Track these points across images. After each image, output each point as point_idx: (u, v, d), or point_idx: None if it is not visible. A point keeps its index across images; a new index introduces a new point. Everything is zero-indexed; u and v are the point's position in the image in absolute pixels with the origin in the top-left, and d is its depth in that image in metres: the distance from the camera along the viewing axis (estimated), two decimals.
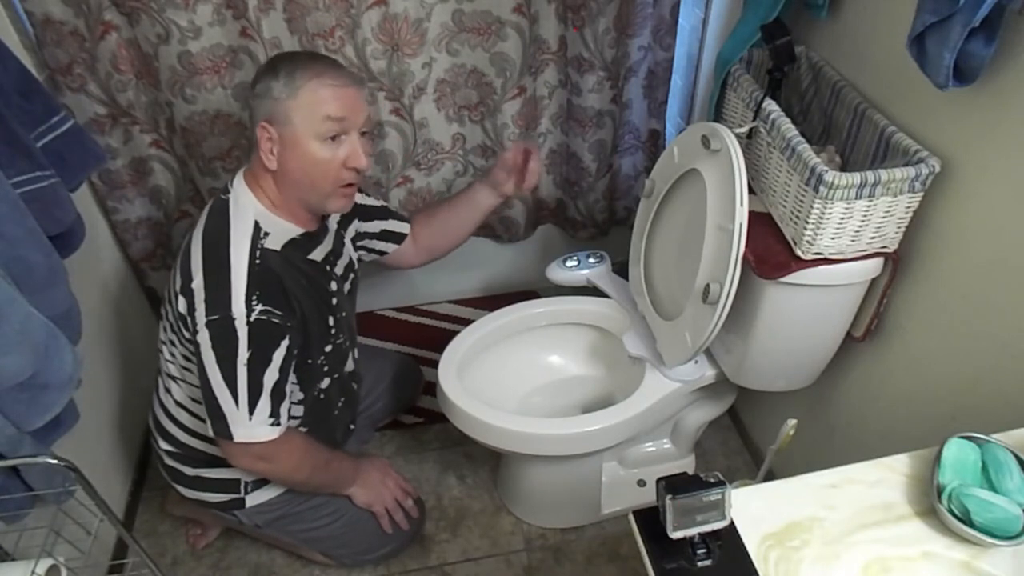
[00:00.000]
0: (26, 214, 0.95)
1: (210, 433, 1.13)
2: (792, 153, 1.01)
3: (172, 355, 1.21)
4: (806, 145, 1.00)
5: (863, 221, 0.99)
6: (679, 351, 1.26)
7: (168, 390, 1.28)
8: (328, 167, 1.10)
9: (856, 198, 0.96)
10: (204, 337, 1.07)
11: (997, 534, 0.69)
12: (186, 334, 1.12)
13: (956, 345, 1.00)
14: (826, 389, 1.32)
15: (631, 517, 0.74)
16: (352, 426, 1.48)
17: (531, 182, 1.39)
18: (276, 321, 1.09)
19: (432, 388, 1.69)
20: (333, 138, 1.08)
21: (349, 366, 1.38)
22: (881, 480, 0.78)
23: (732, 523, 0.71)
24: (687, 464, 1.62)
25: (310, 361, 1.22)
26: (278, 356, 1.11)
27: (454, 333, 1.44)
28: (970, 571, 0.70)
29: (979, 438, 0.77)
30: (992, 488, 0.73)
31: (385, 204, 1.43)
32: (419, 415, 1.76)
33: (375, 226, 1.40)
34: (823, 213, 0.98)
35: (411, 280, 1.95)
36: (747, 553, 0.71)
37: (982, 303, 0.95)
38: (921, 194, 0.98)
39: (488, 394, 1.38)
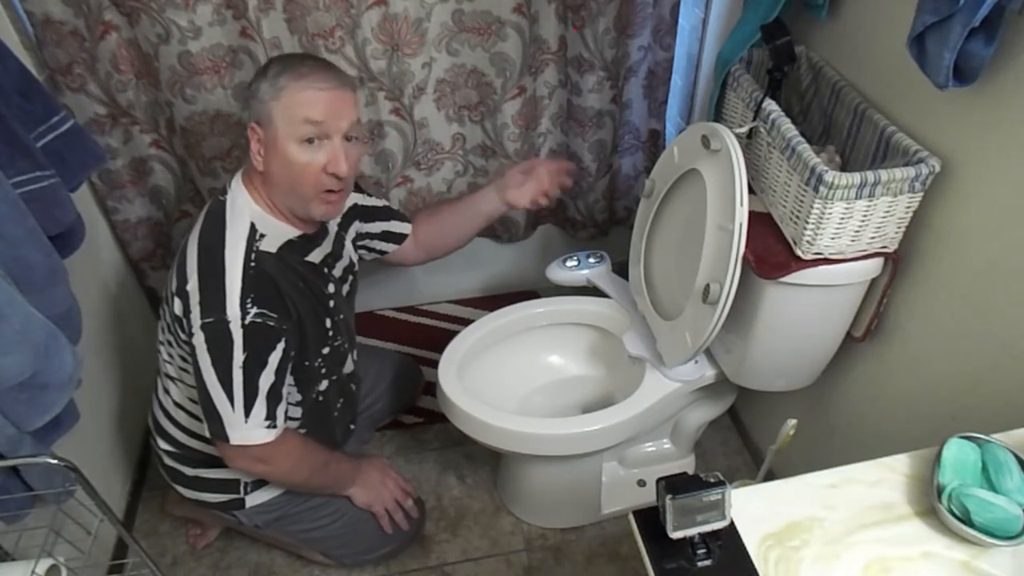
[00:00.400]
0: (26, 214, 0.95)
1: (207, 434, 1.14)
2: (792, 153, 1.01)
3: (170, 356, 1.21)
4: (806, 145, 1.00)
5: (863, 221, 0.99)
6: (679, 351, 1.26)
7: (167, 390, 1.28)
8: (306, 171, 1.08)
9: (856, 198, 0.96)
10: (199, 340, 1.07)
11: (997, 534, 0.70)
12: (182, 336, 1.12)
13: (956, 345, 1.00)
14: (826, 389, 1.32)
15: (631, 517, 0.74)
16: (352, 426, 1.48)
17: (552, 188, 1.40)
18: (271, 324, 1.09)
19: (432, 388, 1.69)
20: (311, 141, 1.06)
21: (348, 368, 1.38)
22: (881, 480, 0.78)
23: (732, 523, 0.71)
24: (687, 464, 1.62)
25: (307, 363, 1.22)
26: (274, 359, 1.10)
27: (454, 333, 1.44)
28: (970, 571, 0.70)
29: (979, 438, 0.77)
30: (992, 488, 0.73)
31: (387, 204, 1.42)
32: (419, 415, 1.77)
33: (376, 227, 1.40)
34: (823, 213, 0.98)
35: (411, 280, 1.95)
36: (747, 553, 0.71)
37: (982, 303, 0.95)
38: (921, 194, 0.98)
39: (488, 394, 1.38)
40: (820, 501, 0.76)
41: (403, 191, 1.67)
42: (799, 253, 1.04)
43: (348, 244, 1.35)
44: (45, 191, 1.03)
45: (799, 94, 1.23)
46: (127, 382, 1.60)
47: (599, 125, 1.61)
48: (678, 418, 1.53)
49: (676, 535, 0.68)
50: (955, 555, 0.71)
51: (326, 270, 1.26)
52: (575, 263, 1.54)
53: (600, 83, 1.54)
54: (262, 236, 1.12)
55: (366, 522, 1.40)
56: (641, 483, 1.57)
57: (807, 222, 1.00)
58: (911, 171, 0.94)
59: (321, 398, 1.30)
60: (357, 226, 1.37)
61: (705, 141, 1.12)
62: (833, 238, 1.01)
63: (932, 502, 0.73)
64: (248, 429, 1.11)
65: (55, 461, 0.89)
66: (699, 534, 0.69)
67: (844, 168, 1.11)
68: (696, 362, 1.35)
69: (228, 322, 1.06)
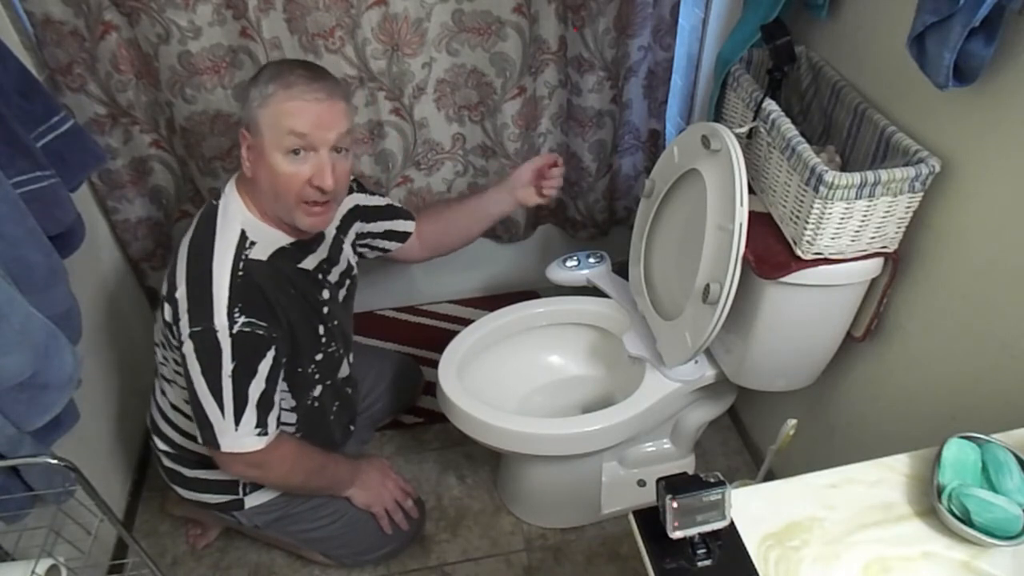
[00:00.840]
0: (26, 214, 0.95)
1: (200, 440, 1.13)
2: (792, 153, 1.01)
3: (164, 358, 1.21)
4: (806, 145, 1.00)
5: (863, 221, 0.99)
6: (679, 351, 1.26)
7: (164, 391, 1.28)
8: (291, 182, 1.05)
9: (856, 198, 0.96)
10: (188, 348, 1.06)
11: (997, 534, 0.70)
12: (173, 342, 1.11)
13: (956, 345, 1.00)
14: (826, 389, 1.32)
15: (631, 517, 0.74)
16: (351, 427, 1.47)
17: (553, 185, 1.39)
18: (260, 332, 1.08)
19: (432, 388, 1.69)
20: (296, 152, 1.04)
21: (343, 372, 1.37)
22: (881, 480, 0.78)
23: (732, 523, 0.71)
24: (687, 464, 1.62)
25: (300, 370, 1.21)
26: (264, 367, 1.09)
27: (454, 333, 1.44)
28: (970, 571, 0.70)
29: (979, 438, 0.77)
30: (992, 488, 0.73)
31: (390, 202, 1.41)
32: (419, 415, 1.77)
33: (379, 226, 1.39)
34: (823, 213, 0.98)
35: (411, 280, 1.95)
36: (747, 553, 0.71)
37: (982, 303, 0.95)
38: (921, 194, 0.98)
39: (488, 394, 1.38)
40: (820, 501, 0.76)
41: (403, 191, 1.67)
42: (799, 253, 1.04)
43: (347, 248, 1.34)
44: (45, 191, 1.03)
45: (799, 94, 1.23)
46: (127, 382, 1.60)
47: (599, 125, 1.61)
48: (678, 418, 1.53)
49: (676, 535, 0.68)
50: (955, 555, 0.71)
51: (320, 276, 1.24)
52: (575, 263, 1.54)
53: (600, 83, 1.54)
54: (252, 244, 1.10)
55: (366, 522, 1.40)
56: (641, 483, 1.58)
57: (807, 222, 1.00)
58: (911, 171, 0.94)
59: (316, 403, 1.30)
60: (358, 227, 1.36)
61: (705, 141, 1.12)
62: (833, 238, 1.01)
63: (932, 502, 0.73)
64: (239, 437, 1.11)
65: (55, 461, 0.89)
66: (699, 534, 0.69)
67: (844, 168, 1.11)
68: (696, 362, 1.35)
69: (216, 331, 1.05)
